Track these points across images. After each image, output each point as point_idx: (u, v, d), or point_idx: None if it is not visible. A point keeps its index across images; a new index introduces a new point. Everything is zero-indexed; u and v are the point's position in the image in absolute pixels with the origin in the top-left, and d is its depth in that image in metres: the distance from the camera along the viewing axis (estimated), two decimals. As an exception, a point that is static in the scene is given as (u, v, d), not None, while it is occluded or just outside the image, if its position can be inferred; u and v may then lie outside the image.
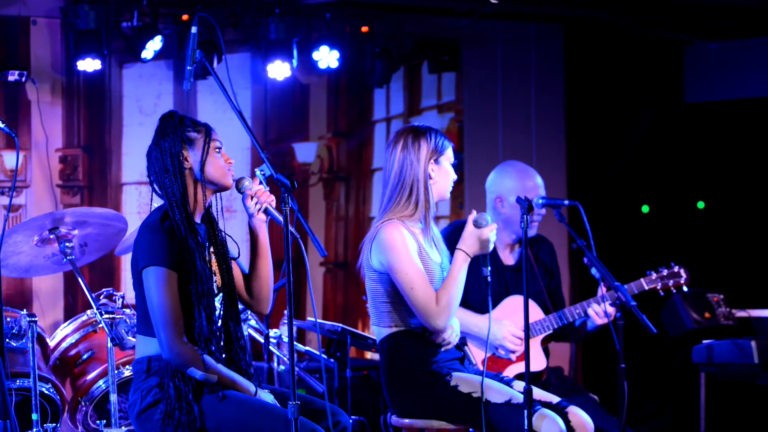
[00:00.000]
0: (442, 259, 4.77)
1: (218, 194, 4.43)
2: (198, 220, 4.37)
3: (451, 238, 5.14)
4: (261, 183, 4.41)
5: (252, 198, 4.42)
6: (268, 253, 4.48)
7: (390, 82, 8.25)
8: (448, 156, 4.75)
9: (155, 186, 4.35)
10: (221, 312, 4.38)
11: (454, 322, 4.75)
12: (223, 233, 4.46)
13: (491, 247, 4.63)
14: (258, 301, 4.53)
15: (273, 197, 4.40)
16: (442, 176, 4.74)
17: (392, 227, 4.65)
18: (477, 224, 4.63)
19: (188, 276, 4.24)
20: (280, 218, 4.20)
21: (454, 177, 4.78)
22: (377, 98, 8.43)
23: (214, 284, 4.35)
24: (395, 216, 4.70)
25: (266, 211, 4.41)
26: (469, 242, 4.63)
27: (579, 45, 8.76)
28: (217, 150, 4.37)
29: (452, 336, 4.72)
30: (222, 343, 4.36)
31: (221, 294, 4.39)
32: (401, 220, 4.68)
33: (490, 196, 5.73)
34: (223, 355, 4.34)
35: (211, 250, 4.40)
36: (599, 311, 5.43)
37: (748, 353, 6.04)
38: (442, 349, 4.69)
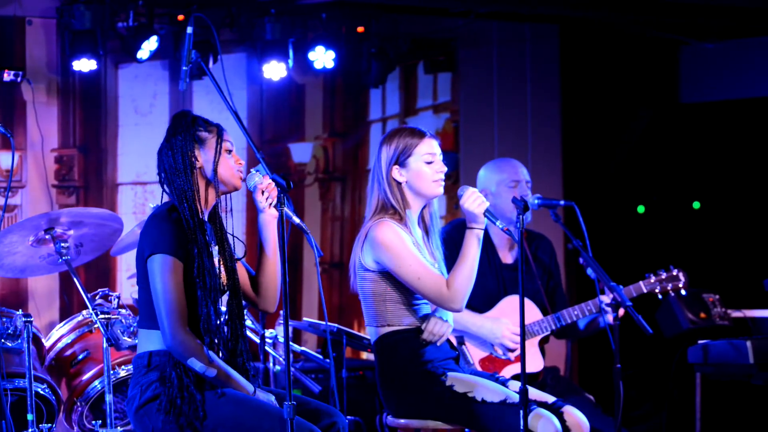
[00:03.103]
0: (435, 260, 4.76)
1: (225, 195, 4.43)
2: (205, 218, 4.37)
3: (450, 236, 5.13)
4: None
5: (263, 193, 4.42)
6: (277, 250, 4.48)
7: (386, 83, 8.25)
8: (420, 154, 4.70)
9: (165, 184, 4.34)
10: (226, 311, 4.38)
11: (449, 317, 4.75)
12: (229, 233, 4.45)
13: (481, 206, 4.59)
14: (265, 299, 4.53)
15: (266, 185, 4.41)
16: (414, 177, 4.71)
17: (383, 225, 4.65)
18: (459, 200, 4.65)
19: (195, 269, 4.24)
20: (291, 213, 4.22)
21: (437, 171, 4.71)
22: (373, 98, 8.43)
23: (218, 278, 4.35)
24: (384, 216, 4.70)
25: (277, 207, 4.40)
26: (466, 217, 4.64)
27: (575, 45, 8.76)
28: (228, 151, 4.37)
29: (444, 328, 4.71)
30: (225, 341, 4.35)
31: (226, 293, 4.39)
32: (392, 219, 4.69)
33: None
34: (225, 356, 4.33)
35: (217, 249, 4.39)
36: (609, 319, 5.45)
37: (743, 353, 6.04)
38: (437, 344, 4.69)
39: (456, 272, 4.61)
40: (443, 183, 4.76)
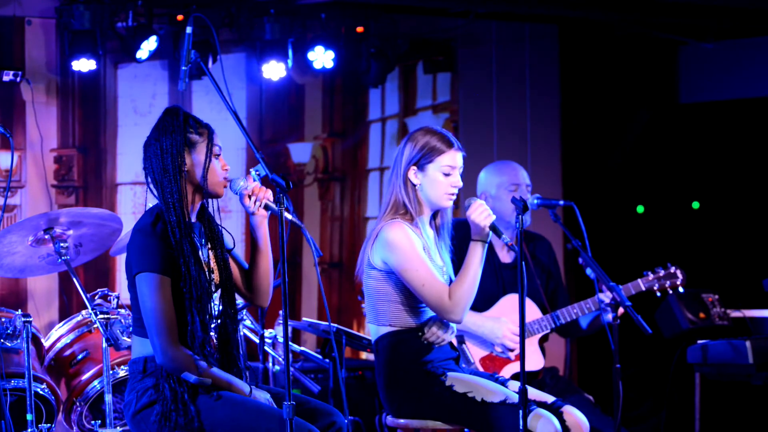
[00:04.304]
0: (443, 263, 4.76)
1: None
2: (193, 218, 4.36)
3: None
4: (255, 180, 4.40)
5: (250, 197, 4.41)
6: (269, 248, 4.47)
7: (385, 83, 8.24)
8: (441, 164, 4.67)
9: (151, 184, 4.32)
10: (219, 309, 4.37)
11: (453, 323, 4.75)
12: (219, 227, 4.44)
13: (487, 219, 4.58)
14: (257, 294, 4.52)
15: (270, 191, 4.37)
16: (428, 183, 4.69)
17: (395, 226, 4.64)
18: (465, 210, 4.64)
19: (182, 280, 4.23)
20: (275, 208, 4.22)
21: (452, 184, 4.68)
22: (372, 98, 8.43)
23: (213, 281, 4.34)
24: (396, 216, 4.69)
25: (266, 207, 4.40)
26: (471, 229, 4.64)
27: (574, 45, 8.77)
28: (216, 156, 4.35)
29: (447, 333, 4.72)
30: (217, 344, 4.36)
31: (219, 290, 4.39)
32: (404, 220, 4.68)
33: (479, 194, 5.80)
34: (217, 356, 4.34)
35: (209, 246, 4.39)
36: (609, 318, 5.45)
37: (742, 353, 6.04)
38: (436, 346, 4.69)
39: (458, 284, 4.61)
40: (455, 197, 4.74)
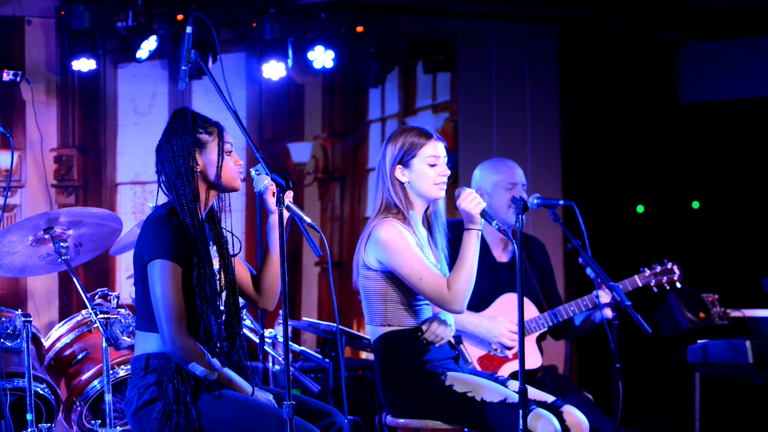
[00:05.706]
0: (437, 261, 4.76)
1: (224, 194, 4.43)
2: (203, 218, 4.37)
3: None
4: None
5: (274, 194, 4.41)
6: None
7: (385, 82, 8.24)
8: (424, 156, 4.69)
9: (164, 186, 4.33)
10: (224, 310, 4.37)
11: (451, 320, 4.75)
12: (226, 230, 4.45)
13: (478, 207, 4.58)
14: (265, 298, 4.54)
15: (291, 193, 4.39)
16: (417, 178, 4.70)
17: (387, 224, 4.65)
18: (456, 200, 4.63)
19: (194, 279, 4.24)
20: (301, 213, 4.22)
21: (440, 174, 4.70)
22: (372, 98, 8.43)
23: (219, 281, 4.35)
24: (388, 216, 4.70)
25: (287, 208, 4.40)
26: (463, 218, 4.64)
27: (574, 45, 8.77)
28: (228, 153, 4.37)
29: (447, 332, 4.72)
30: (222, 340, 4.36)
31: (224, 293, 4.39)
32: (396, 219, 4.69)
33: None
34: (223, 352, 4.34)
35: (215, 248, 4.40)
36: (608, 313, 5.46)
37: (742, 353, 6.04)
38: (436, 345, 4.69)
39: (456, 274, 4.61)
40: (445, 186, 4.75)
